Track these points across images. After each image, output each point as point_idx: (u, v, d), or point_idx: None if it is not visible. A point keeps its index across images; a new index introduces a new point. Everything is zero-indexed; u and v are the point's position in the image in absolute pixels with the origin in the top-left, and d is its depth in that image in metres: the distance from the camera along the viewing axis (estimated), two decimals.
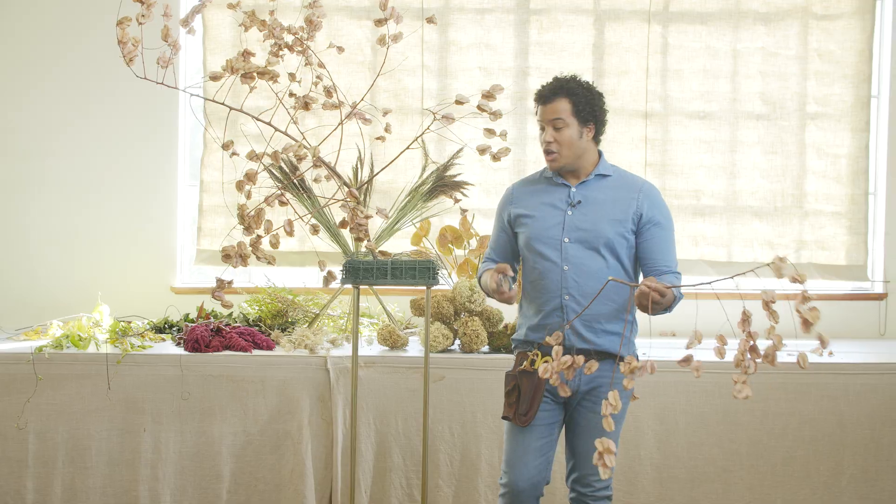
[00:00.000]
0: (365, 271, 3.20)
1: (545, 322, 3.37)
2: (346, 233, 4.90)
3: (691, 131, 5.33)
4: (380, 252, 3.09)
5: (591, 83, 3.42)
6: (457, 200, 2.89)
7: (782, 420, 4.30)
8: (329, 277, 2.71)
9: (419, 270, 3.26)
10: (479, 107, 2.61)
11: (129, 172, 5.33)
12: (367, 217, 2.77)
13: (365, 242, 2.81)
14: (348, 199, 2.74)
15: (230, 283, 2.81)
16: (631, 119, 5.33)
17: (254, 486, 4.29)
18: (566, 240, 3.34)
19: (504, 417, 3.37)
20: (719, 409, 4.30)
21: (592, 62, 5.34)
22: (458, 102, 2.62)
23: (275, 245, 2.72)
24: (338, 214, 4.84)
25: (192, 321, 4.79)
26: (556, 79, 3.40)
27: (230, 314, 4.88)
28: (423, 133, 2.54)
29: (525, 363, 3.30)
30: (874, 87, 5.38)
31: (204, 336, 4.36)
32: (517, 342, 3.53)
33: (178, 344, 4.50)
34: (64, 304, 5.12)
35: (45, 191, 5.34)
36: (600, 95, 3.41)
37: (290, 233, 2.75)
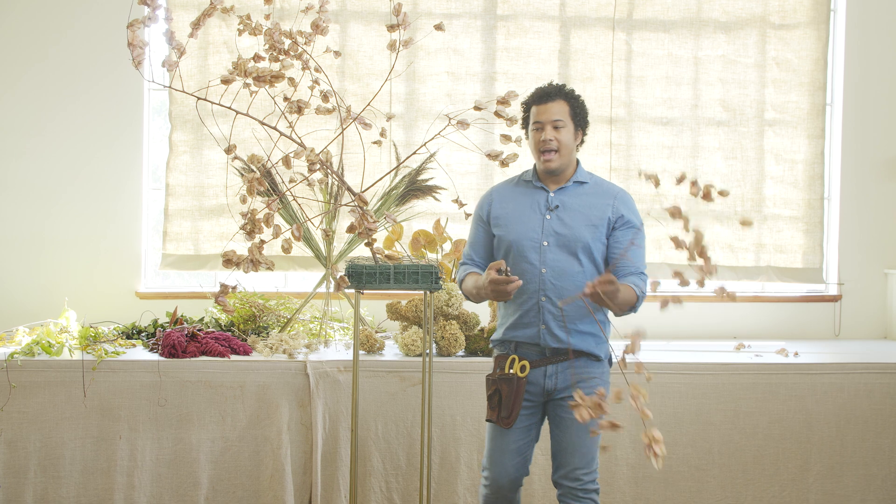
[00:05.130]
0: (368, 276, 3.19)
1: (522, 321, 3.48)
2: (318, 237, 4.89)
3: (654, 137, 5.43)
4: (385, 256, 3.10)
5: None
6: (462, 205, 2.91)
7: (753, 419, 4.41)
8: (341, 282, 2.71)
9: (422, 275, 3.27)
10: (496, 113, 2.64)
11: (93, 176, 5.23)
12: (375, 221, 2.78)
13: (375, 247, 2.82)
14: (357, 204, 2.74)
15: (234, 288, 2.78)
16: (595, 124, 5.39)
17: (232, 492, 4.25)
18: (545, 243, 3.44)
19: (488, 420, 3.48)
20: (692, 410, 4.39)
21: (558, 68, 5.41)
22: (476, 108, 2.64)
23: (287, 250, 2.71)
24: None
25: (163, 326, 4.72)
26: (551, 83, 3.53)
27: (202, 319, 4.83)
28: (432, 138, 2.55)
29: (502, 369, 3.42)
30: (828, 96, 5.55)
31: (180, 341, 4.30)
32: (495, 342, 3.62)
33: (152, 350, 4.43)
34: (28, 310, 5.02)
35: (8, 195, 5.22)
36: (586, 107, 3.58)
37: (298, 237, 2.74)
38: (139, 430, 4.21)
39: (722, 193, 2.58)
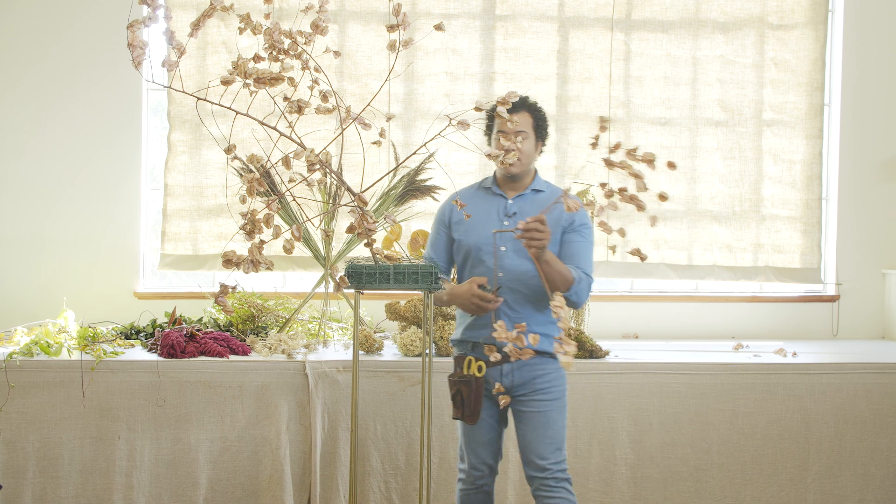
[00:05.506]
0: (368, 276, 3.18)
1: (479, 322, 3.62)
2: (317, 237, 4.89)
3: (653, 137, 5.44)
4: (385, 256, 3.10)
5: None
6: (462, 205, 2.92)
7: (751, 419, 4.41)
8: (341, 283, 2.71)
9: (422, 275, 3.27)
10: (496, 113, 2.64)
11: (92, 176, 5.23)
12: (375, 221, 2.78)
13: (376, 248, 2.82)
14: (357, 204, 2.74)
15: (234, 288, 2.78)
16: (594, 125, 5.42)
17: (231, 492, 4.24)
18: (503, 248, 3.58)
19: (455, 418, 3.64)
20: (691, 410, 4.39)
21: (557, 68, 5.41)
22: (477, 109, 2.64)
23: (289, 251, 2.70)
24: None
25: (161, 326, 4.72)
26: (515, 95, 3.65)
27: (200, 319, 4.83)
28: (433, 138, 2.56)
29: (461, 370, 3.61)
30: (826, 96, 5.56)
31: (179, 342, 4.30)
32: (454, 342, 3.78)
33: (151, 350, 4.43)
34: (27, 310, 5.02)
35: (8, 195, 5.22)
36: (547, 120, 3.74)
37: (298, 237, 2.74)
38: (138, 430, 4.20)
39: (670, 166, 2.74)
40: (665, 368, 4.41)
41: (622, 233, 3.04)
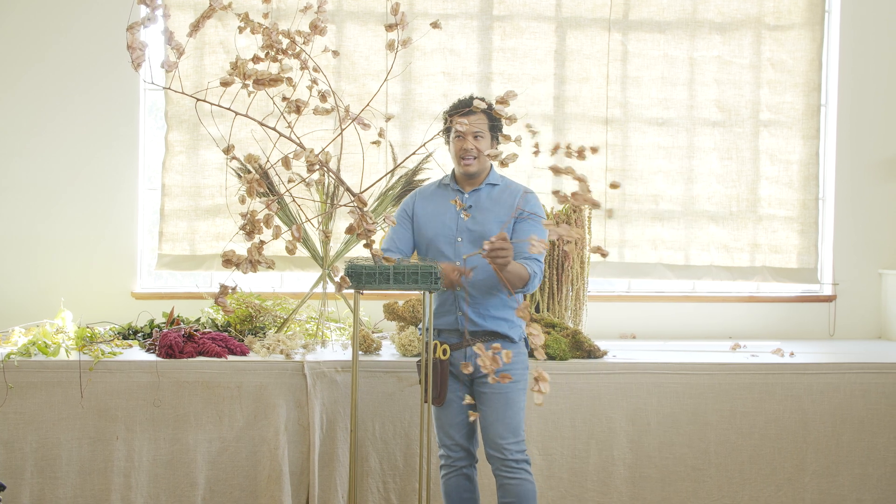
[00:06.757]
0: (367, 276, 3.18)
1: (441, 310, 3.83)
2: (315, 238, 4.89)
3: (650, 137, 5.45)
4: (384, 257, 3.10)
5: None
6: (461, 205, 2.92)
7: (749, 419, 4.42)
8: (343, 283, 2.71)
9: (421, 275, 3.28)
10: (495, 112, 2.64)
11: (90, 177, 5.23)
12: (374, 222, 2.78)
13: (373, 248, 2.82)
14: (357, 205, 2.74)
15: (234, 288, 2.78)
16: (591, 125, 5.43)
17: (229, 493, 4.24)
18: (459, 239, 3.78)
19: (424, 401, 3.74)
20: (689, 410, 4.40)
21: (554, 68, 5.42)
22: (476, 108, 2.65)
23: (291, 251, 2.70)
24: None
25: (159, 327, 4.72)
26: (471, 97, 3.78)
27: (198, 319, 4.82)
28: (432, 138, 2.57)
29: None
30: (823, 96, 5.57)
31: (177, 342, 4.29)
32: (421, 329, 3.94)
33: (149, 350, 4.43)
34: (25, 311, 5.01)
35: (6, 195, 5.22)
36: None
37: (298, 238, 2.74)
38: (136, 430, 4.20)
39: (593, 150, 2.76)
40: (663, 368, 4.42)
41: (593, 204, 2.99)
